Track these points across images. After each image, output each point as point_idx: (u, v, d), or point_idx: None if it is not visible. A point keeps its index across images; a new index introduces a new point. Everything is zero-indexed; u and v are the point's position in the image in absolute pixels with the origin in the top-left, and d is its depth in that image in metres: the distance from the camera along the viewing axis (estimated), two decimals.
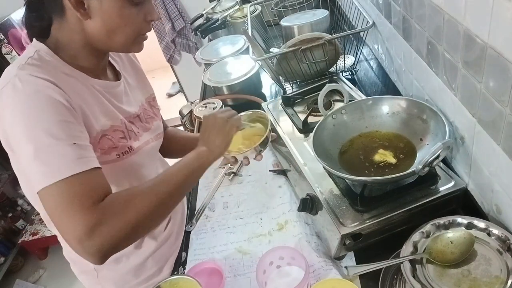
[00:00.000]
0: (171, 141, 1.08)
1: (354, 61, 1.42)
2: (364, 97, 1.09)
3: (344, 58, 1.38)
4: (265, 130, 0.93)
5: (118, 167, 0.82)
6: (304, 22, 1.53)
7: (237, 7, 2.09)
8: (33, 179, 0.65)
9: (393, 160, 0.87)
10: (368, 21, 1.26)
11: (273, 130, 1.15)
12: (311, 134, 0.95)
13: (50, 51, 0.74)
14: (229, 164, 1.23)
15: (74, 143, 0.67)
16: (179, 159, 0.80)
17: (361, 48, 1.38)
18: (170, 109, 3.27)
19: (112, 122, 0.81)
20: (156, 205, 0.70)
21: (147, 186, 0.72)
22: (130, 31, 0.75)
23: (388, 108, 0.97)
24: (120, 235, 0.65)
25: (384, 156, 0.89)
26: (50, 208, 0.65)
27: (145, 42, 0.82)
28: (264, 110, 1.25)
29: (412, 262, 0.70)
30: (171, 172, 0.76)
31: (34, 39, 0.77)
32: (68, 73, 0.75)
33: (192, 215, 1.12)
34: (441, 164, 0.86)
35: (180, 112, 1.70)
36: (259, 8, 1.87)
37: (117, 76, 0.90)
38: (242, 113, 1.00)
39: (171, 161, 0.90)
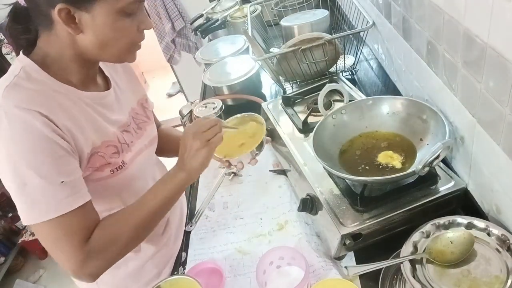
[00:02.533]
0: (165, 140, 1.06)
1: (354, 61, 1.42)
2: (364, 97, 1.09)
3: (344, 58, 1.38)
4: (260, 132, 0.92)
5: (112, 183, 0.81)
6: (304, 22, 1.53)
7: (237, 7, 2.09)
8: (21, 214, 0.69)
9: (398, 165, 0.86)
10: (368, 21, 1.26)
11: (273, 130, 1.15)
12: (311, 134, 0.95)
13: (36, 67, 0.72)
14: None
15: (62, 182, 0.68)
16: (155, 183, 0.80)
17: (361, 48, 1.38)
18: (170, 109, 3.27)
19: (104, 138, 0.79)
20: (139, 232, 0.77)
21: (129, 212, 0.77)
22: (124, 42, 0.73)
23: (388, 108, 0.97)
24: (109, 262, 0.75)
25: (391, 159, 0.88)
26: (42, 242, 0.71)
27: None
28: (264, 110, 1.25)
29: (412, 262, 0.70)
30: (150, 197, 0.78)
31: (21, 53, 0.74)
32: (56, 89, 0.73)
33: (192, 215, 1.12)
34: (441, 164, 0.86)
35: (180, 112, 1.69)
36: (259, 8, 1.87)
37: (107, 82, 0.87)
38: (237, 115, 0.99)
39: (169, 164, 0.90)
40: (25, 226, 2.74)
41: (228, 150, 0.90)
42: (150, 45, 0.94)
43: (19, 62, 0.73)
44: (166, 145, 1.07)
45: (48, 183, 0.66)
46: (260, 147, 0.92)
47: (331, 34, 1.33)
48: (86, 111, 0.77)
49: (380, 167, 0.88)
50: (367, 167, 0.89)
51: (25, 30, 0.74)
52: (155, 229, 0.97)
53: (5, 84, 0.69)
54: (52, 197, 0.67)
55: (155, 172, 1.00)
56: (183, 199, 1.17)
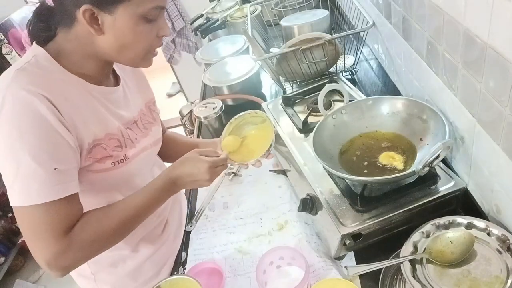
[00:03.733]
0: (171, 146, 1.07)
1: (354, 61, 1.42)
2: (364, 97, 1.09)
3: (344, 58, 1.38)
4: (269, 129, 0.91)
5: (112, 176, 0.82)
6: (304, 22, 1.53)
7: (237, 7, 2.09)
8: (10, 195, 0.68)
9: (400, 166, 0.86)
10: (368, 21, 1.26)
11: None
12: (311, 134, 0.95)
13: (49, 57, 0.74)
14: (230, 165, 1.23)
15: (55, 168, 0.68)
16: (146, 185, 0.81)
17: (361, 48, 1.38)
18: (170, 109, 3.27)
19: (107, 130, 0.80)
20: (122, 230, 0.77)
21: (114, 210, 0.76)
22: (142, 47, 0.75)
23: (388, 108, 0.97)
24: (86, 258, 0.74)
25: (392, 159, 0.88)
26: (21, 227, 0.70)
27: None
28: (264, 110, 1.25)
29: (412, 262, 0.70)
30: (137, 198, 0.79)
31: (34, 43, 0.76)
32: (65, 79, 0.74)
33: (192, 215, 1.12)
34: (441, 164, 0.86)
35: (180, 112, 1.70)
36: (259, 8, 1.87)
37: (117, 79, 0.89)
38: (245, 112, 0.97)
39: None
40: None
41: (243, 155, 0.90)
42: None
43: (31, 51, 0.75)
44: (173, 150, 1.07)
45: (42, 167, 0.67)
46: (270, 145, 0.90)
47: (331, 34, 1.33)
48: (92, 102, 0.78)
49: (381, 167, 0.88)
50: (367, 167, 0.89)
51: (46, 28, 0.76)
52: (154, 229, 0.98)
53: (16, 68, 0.71)
54: (43, 183, 0.67)
55: (155, 172, 1.00)
56: (183, 199, 1.17)
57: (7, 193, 0.69)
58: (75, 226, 0.71)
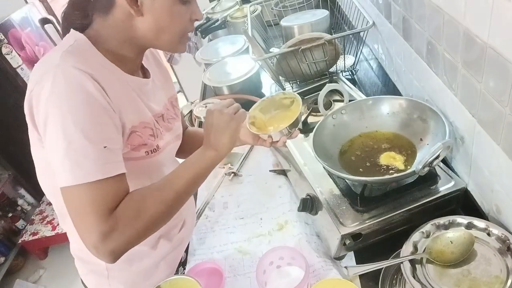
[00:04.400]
0: (195, 139, 1.06)
1: (354, 61, 1.42)
2: (364, 97, 1.09)
3: (344, 58, 1.38)
4: (295, 115, 0.86)
5: (144, 165, 0.82)
6: (304, 22, 1.53)
7: (237, 7, 2.09)
8: (60, 174, 0.66)
9: (401, 166, 0.86)
10: (368, 21, 1.26)
11: None
12: (311, 134, 0.95)
13: (88, 42, 0.74)
14: (229, 164, 1.23)
15: (105, 147, 0.68)
16: (185, 160, 0.80)
17: (361, 48, 1.38)
18: None
19: (142, 119, 0.81)
20: (165, 209, 0.73)
21: (157, 188, 0.74)
22: (178, 29, 0.77)
23: (388, 108, 0.97)
24: (131, 239, 0.69)
25: (393, 160, 0.88)
26: (69, 207, 0.68)
27: None
28: None
29: (412, 262, 0.70)
30: (179, 175, 0.77)
31: (71, 30, 0.76)
32: (105, 66, 0.75)
33: (193, 216, 1.11)
34: (441, 164, 0.86)
35: (180, 112, 1.70)
36: (259, 8, 1.87)
37: (145, 73, 0.90)
38: (273, 95, 0.93)
39: None
40: (25, 226, 2.74)
41: (268, 125, 0.86)
42: None
43: (71, 36, 0.75)
44: (195, 142, 1.04)
45: (92, 145, 0.66)
46: (297, 122, 0.86)
47: (331, 34, 1.33)
48: (128, 90, 0.79)
49: (382, 167, 0.88)
50: (367, 167, 0.89)
51: (82, 16, 0.76)
52: (173, 227, 0.97)
53: (62, 49, 0.71)
54: (94, 161, 0.66)
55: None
56: (193, 204, 1.16)
57: (55, 173, 0.67)
58: (119, 205, 0.69)
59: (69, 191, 0.67)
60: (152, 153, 0.82)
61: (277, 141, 0.86)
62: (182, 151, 1.05)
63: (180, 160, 0.93)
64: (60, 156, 0.65)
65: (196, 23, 2.16)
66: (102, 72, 0.73)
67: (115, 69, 0.77)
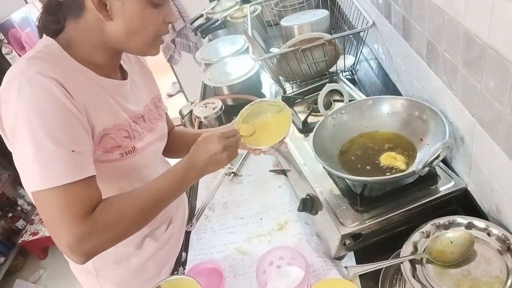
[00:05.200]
0: (181, 139, 1.07)
1: (354, 61, 1.42)
2: (364, 97, 1.09)
3: (344, 58, 1.38)
4: (285, 124, 0.89)
5: (121, 167, 0.82)
6: (304, 22, 1.53)
7: (237, 7, 2.09)
8: (30, 179, 0.67)
9: (403, 166, 0.86)
10: (368, 21, 1.26)
11: None
12: (311, 134, 0.95)
13: (59, 47, 0.75)
14: (229, 164, 1.23)
15: (73, 151, 0.68)
16: (167, 171, 0.80)
17: (361, 48, 1.38)
18: (170, 109, 3.25)
19: (116, 121, 0.81)
20: (142, 217, 0.76)
21: (137, 196, 0.76)
22: (149, 32, 0.76)
23: (388, 108, 0.97)
24: (106, 244, 0.71)
25: (394, 160, 0.88)
26: (42, 211, 0.68)
27: None
28: None
29: (412, 262, 0.70)
30: (159, 186, 0.78)
31: (44, 35, 0.77)
32: (75, 69, 0.75)
33: (192, 215, 1.12)
34: (441, 164, 0.86)
35: (180, 112, 1.69)
36: (259, 8, 1.87)
37: (124, 75, 0.90)
38: (262, 100, 0.94)
39: (173, 162, 0.89)
40: (25, 226, 2.74)
41: (258, 141, 0.88)
42: None
43: (42, 42, 0.76)
44: (183, 142, 1.06)
45: (60, 149, 0.66)
46: (287, 133, 0.88)
47: (331, 34, 1.33)
48: (101, 93, 0.79)
49: (382, 167, 0.88)
50: (367, 167, 0.89)
51: (55, 21, 0.77)
52: (159, 227, 0.97)
53: (28, 56, 0.72)
54: (62, 164, 0.67)
55: (159, 170, 1.00)
56: (185, 199, 1.17)
57: (22, 178, 0.68)
58: (96, 209, 0.70)
59: (40, 196, 0.67)
60: (127, 154, 0.82)
61: (266, 151, 0.88)
62: (170, 151, 1.05)
63: (171, 160, 0.93)
64: (29, 161, 0.66)
65: (196, 23, 2.17)
66: (71, 76, 0.73)
67: (88, 72, 0.77)
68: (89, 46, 0.77)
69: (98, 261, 0.90)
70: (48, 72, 0.69)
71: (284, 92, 1.38)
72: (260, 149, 0.88)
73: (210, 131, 0.84)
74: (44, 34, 0.77)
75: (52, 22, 0.77)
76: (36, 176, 0.66)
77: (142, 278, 0.97)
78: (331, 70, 1.37)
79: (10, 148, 0.74)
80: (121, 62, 0.90)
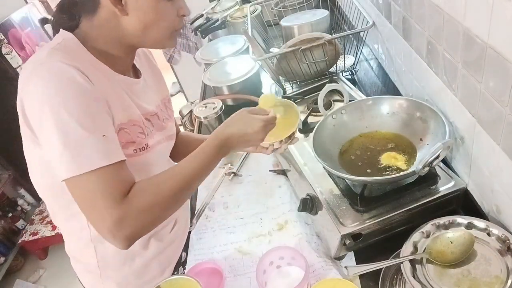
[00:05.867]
0: (185, 144, 1.08)
1: (354, 61, 1.42)
2: (364, 97, 1.09)
3: (344, 58, 1.38)
4: (294, 121, 0.89)
5: (133, 163, 0.81)
6: (304, 22, 1.53)
7: (237, 7, 2.09)
8: (61, 167, 0.66)
9: (403, 166, 0.86)
10: (368, 21, 1.26)
11: None
12: (311, 134, 0.95)
13: (77, 41, 0.75)
14: (229, 164, 1.23)
15: (104, 135, 0.68)
16: (195, 151, 0.80)
17: (361, 48, 1.38)
18: None
19: (130, 117, 0.81)
20: (177, 199, 0.74)
21: (169, 177, 0.74)
22: (165, 26, 0.77)
23: (388, 108, 0.97)
24: (145, 226, 0.70)
25: (394, 160, 0.88)
26: (78, 198, 0.68)
27: None
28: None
29: (412, 262, 0.70)
30: (190, 162, 0.77)
31: (61, 30, 0.77)
32: (93, 64, 0.76)
33: (192, 215, 1.12)
34: (441, 164, 0.86)
35: (180, 112, 1.70)
36: (259, 8, 1.87)
37: (136, 74, 0.91)
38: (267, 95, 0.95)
39: None
40: (25, 226, 2.74)
41: (268, 137, 0.87)
42: None
43: (60, 35, 0.75)
44: (187, 147, 1.04)
45: (91, 135, 0.66)
46: (296, 128, 0.89)
47: (331, 34, 1.33)
48: (117, 89, 0.80)
49: (382, 167, 0.88)
50: (367, 167, 0.89)
51: (69, 18, 0.77)
52: (164, 227, 0.97)
53: (50, 47, 0.72)
54: (94, 149, 0.66)
55: (166, 168, 1.00)
56: (188, 200, 1.17)
57: (55, 167, 0.67)
58: (130, 192, 0.69)
59: (74, 182, 0.67)
60: (140, 151, 0.82)
61: (278, 148, 0.88)
62: (178, 154, 1.05)
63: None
64: (60, 149, 0.65)
65: (196, 23, 2.16)
66: (90, 69, 0.73)
67: (104, 67, 0.77)
68: (104, 43, 0.77)
69: (102, 260, 0.90)
70: (70, 62, 0.69)
71: (284, 92, 1.38)
72: (273, 145, 0.87)
73: (249, 110, 0.83)
74: (61, 29, 0.77)
75: (66, 20, 0.77)
76: (69, 162, 0.66)
77: (145, 278, 0.97)
78: (331, 70, 1.37)
79: (28, 143, 0.74)
80: (135, 61, 0.90)
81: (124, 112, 0.79)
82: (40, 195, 0.84)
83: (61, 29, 0.77)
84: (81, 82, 0.68)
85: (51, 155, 0.67)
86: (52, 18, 0.79)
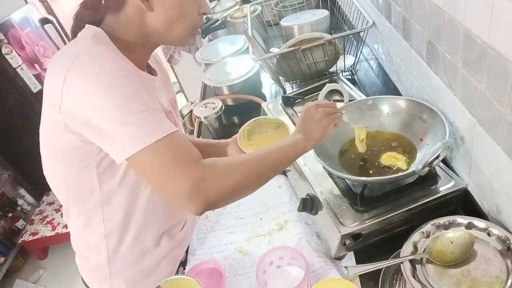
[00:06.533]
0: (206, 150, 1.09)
1: (354, 61, 1.42)
2: (364, 97, 1.09)
3: (344, 58, 1.38)
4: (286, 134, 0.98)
5: None
6: (304, 22, 1.53)
7: (237, 7, 2.09)
8: (127, 144, 0.66)
9: (404, 166, 0.86)
10: (368, 21, 1.26)
11: None
12: None
13: (106, 35, 0.76)
14: None
15: (156, 108, 0.70)
16: (279, 142, 0.81)
17: (361, 48, 1.38)
18: None
19: None
20: (252, 176, 0.74)
21: (246, 158, 0.75)
22: (188, 22, 0.78)
23: (388, 108, 0.97)
24: (222, 192, 0.69)
25: (395, 160, 0.88)
26: (149, 171, 0.68)
27: None
28: (264, 110, 1.25)
29: (412, 262, 0.70)
30: (270, 151, 0.78)
31: (86, 25, 0.77)
32: (121, 57, 0.76)
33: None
34: (441, 164, 0.86)
35: (180, 112, 1.70)
36: (259, 8, 1.87)
37: (151, 72, 0.91)
38: (259, 118, 1.04)
39: None
40: (25, 226, 2.74)
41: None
42: None
43: (89, 30, 0.76)
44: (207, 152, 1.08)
45: (147, 108, 0.68)
46: None
47: (331, 34, 1.33)
48: (143, 83, 0.80)
49: (382, 167, 0.88)
50: (367, 167, 0.89)
51: (94, 13, 0.78)
52: (175, 225, 0.97)
53: (88, 38, 0.73)
54: (155, 120, 0.68)
55: None
56: None
57: (117, 149, 0.67)
58: (206, 161, 0.70)
59: (143, 156, 0.67)
60: None
61: None
62: None
63: None
64: (121, 127, 0.66)
65: None
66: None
67: (129, 62, 0.78)
68: (129, 39, 0.78)
69: (113, 257, 0.89)
70: (111, 50, 0.72)
71: (284, 92, 1.38)
72: None
73: (308, 103, 0.85)
74: (86, 25, 0.77)
75: (90, 15, 0.78)
76: (134, 137, 0.66)
77: (153, 277, 0.96)
78: (331, 70, 1.37)
79: (56, 134, 0.74)
80: (149, 62, 0.91)
81: None
82: (54, 190, 0.85)
83: (86, 25, 0.77)
84: (125, 66, 0.71)
85: (112, 138, 0.67)
86: (75, 15, 0.80)
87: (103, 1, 0.77)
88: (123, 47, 0.77)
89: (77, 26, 0.79)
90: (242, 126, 1.02)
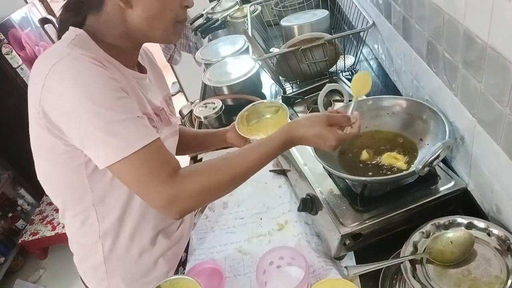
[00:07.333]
0: (181, 138, 1.07)
1: (354, 61, 1.42)
2: (364, 97, 1.09)
3: (344, 58, 1.38)
4: (284, 120, 0.97)
5: None
6: (304, 22, 1.53)
7: (237, 7, 2.09)
8: (107, 153, 0.67)
9: (404, 166, 0.86)
10: (368, 21, 1.26)
11: None
12: None
13: (88, 36, 0.75)
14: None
15: (138, 116, 0.70)
16: (262, 141, 0.80)
17: (361, 48, 1.38)
18: None
19: (145, 110, 0.82)
20: (230, 183, 0.75)
21: (224, 164, 0.76)
22: (169, 17, 0.77)
23: (388, 108, 0.97)
24: (197, 205, 0.75)
25: (395, 160, 0.88)
26: (127, 181, 0.71)
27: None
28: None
29: (412, 262, 0.70)
30: (252, 152, 0.78)
31: (70, 27, 0.77)
32: (106, 58, 0.76)
33: (192, 215, 1.11)
34: (441, 164, 0.86)
35: (180, 112, 1.69)
36: (259, 8, 1.87)
37: (141, 70, 0.91)
38: (259, 101, 1.02)
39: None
40: (25, 226, 2.74)
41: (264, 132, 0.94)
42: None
43: (72, 32, 0.75)
44: (182, 142, 1.07)
45: (127, 117, 0.68)
46: None
47: (331, 34, 1.33)
48: (131, 83, 0.80)
49: (381, 167, 0.88)
50: (367, 167, 0.89)
51: (75, 15, 0.78)
52: (172, 224, 0.97)
53: (67, 42, 0.72)
54: (136, 129, 0.68)
55: None
56: None
57: (98, 157, 0.68)
58: (182, 173, 0.71)
59: (121, 166, 0.68)
60: None
61: None
62: (180, 149, 1.05)
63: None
64: (100, 137, 0.67)
65: (196, 23, 2.16)
66: (106, 63, 0.74)
67: (115, 62, 0.78)
68: (112, 37, 0.78)
69: (109, 256, 0.89)
70: (89, 54, 0.70)
71: (284, 92, 1.38)
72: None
73: (328, 118, 0.80)
74: (70, 27, 0.77)
75: (71, 16, 0.78)
76: (113, 146, 0.67)
77: (151, 276, 0.96)
78: (331, 70, 1.37)
79: (44, 139, 0.74)
80: (139, 59, 0.91)
81: (139, 105, 0.80)
82: (48, 192, 0.85)
83: (70, 27, 0.77)
84: (105, 73, 0.69)
85: (92, 145, 0.68)
86: (58, 18, 0.80)
87: (83, 2, 0.76)
88: (108, 47, 0.77)
89: (62, 29, 0.79)
90: (240, 112, 1.00)
